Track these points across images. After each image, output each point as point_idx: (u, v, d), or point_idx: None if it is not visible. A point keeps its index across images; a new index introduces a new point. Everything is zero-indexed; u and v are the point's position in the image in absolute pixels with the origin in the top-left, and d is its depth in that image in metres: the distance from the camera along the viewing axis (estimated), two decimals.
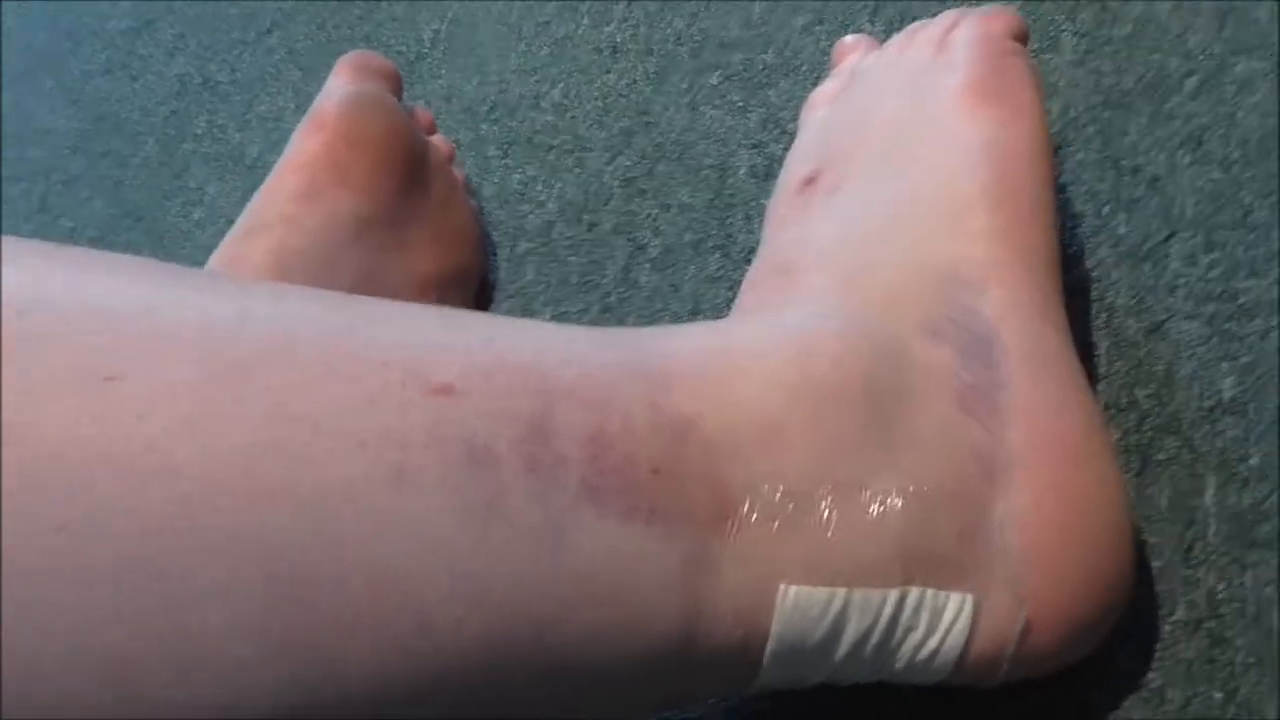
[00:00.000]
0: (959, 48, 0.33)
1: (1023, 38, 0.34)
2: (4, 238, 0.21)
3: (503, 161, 0.49)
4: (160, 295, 0.22)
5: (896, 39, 0.37)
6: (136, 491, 0.19)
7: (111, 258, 0.23)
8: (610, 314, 0.42)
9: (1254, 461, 0.29)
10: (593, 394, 0.23)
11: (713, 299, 0.41)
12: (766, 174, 0.43)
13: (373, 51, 0.46)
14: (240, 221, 0.41)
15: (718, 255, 0.42)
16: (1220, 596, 0.28)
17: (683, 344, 0.26)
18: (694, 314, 0.41)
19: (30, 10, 0.78)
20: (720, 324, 0.29)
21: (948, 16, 0.35)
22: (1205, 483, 0.29)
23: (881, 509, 0.24)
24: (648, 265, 0.43)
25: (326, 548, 0.20)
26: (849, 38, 0.40)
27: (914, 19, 0.42)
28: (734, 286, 0.40)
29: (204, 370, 0.20)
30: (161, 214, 0.59)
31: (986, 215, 0.29)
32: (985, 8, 0.35)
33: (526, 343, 0.24)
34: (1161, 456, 0.30)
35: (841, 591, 0.23)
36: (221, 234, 0.40)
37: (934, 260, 0.28)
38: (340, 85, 0.42)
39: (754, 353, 0.26)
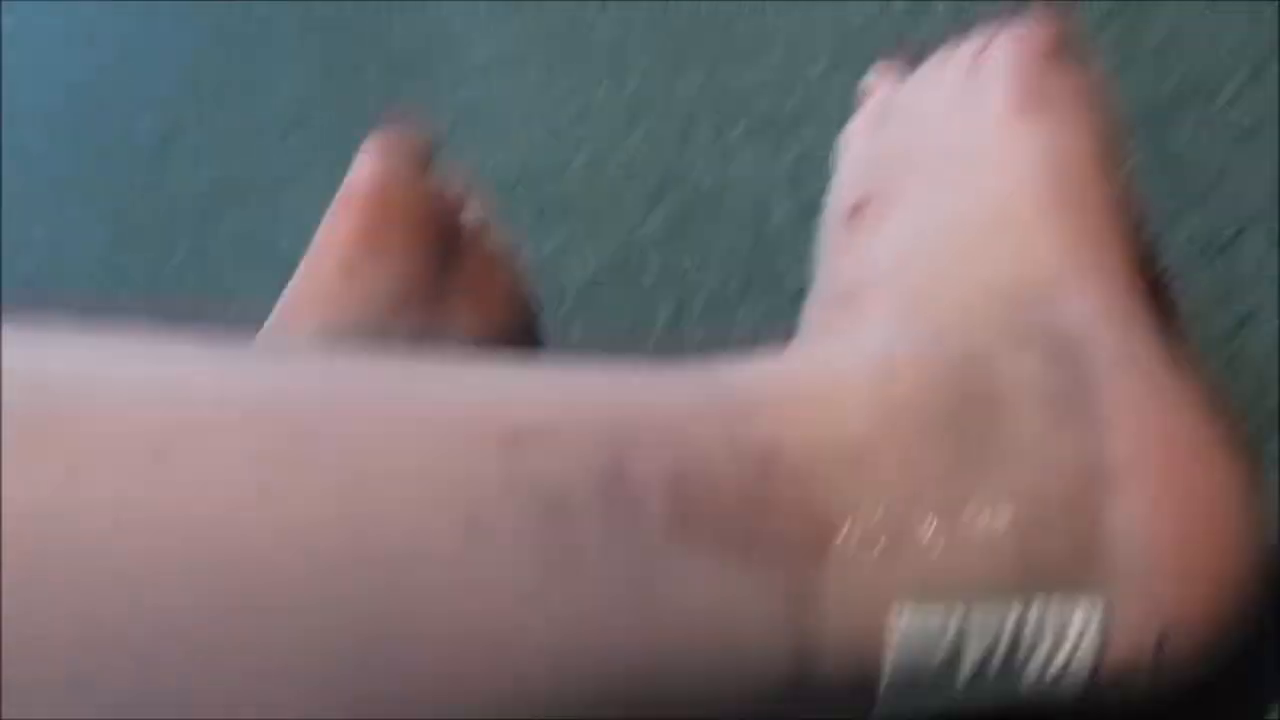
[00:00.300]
0: (996, 63, 0.33)
1: (1061, 47, 0.33)
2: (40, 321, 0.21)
3: (536, 227, 0.49)
4: (209, 368, 0.21)
5: (929, 64, 0.36)
6: (192, 573, 0.18)
7: (155, 334, 0.22)
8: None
9: None
10: (669, 431, 0.22)
11: (766, 341, 0.40)
12: (807, 212, 0.42)
13: (400, 125, 0.46)
14: (279, 305, 0.40)
15: (766, 297, 0.41)
16: None
17: (757, 371, 0.25)
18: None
19: (56, 128, 0.80)
20: (794, 349, 0.28)
21: (981, 37, 0.35)
22: None
23: (986, 522, 0.23)
24: (695, 314, 0.42)
25: (405, 612, 0.19)
26: (879, 68, 0.39)
27: (942, 44, 0.42)
28: (789, 325, 0.39)
29: (260, 441, 0.19)
30: (197, 315, 0.59)
31: (1052, 224, 0.28)
32: (1018, 23, 0.34)
33: (595, 384, 0.23)
34: (1269, 455, 0.29)
35: (958, 609, 0.22)
36: (256, 331, 0.40)
37: (1004, 273, 0.27)
38: (369, 163, 0.42)
39: (832, 375, 0.25)
